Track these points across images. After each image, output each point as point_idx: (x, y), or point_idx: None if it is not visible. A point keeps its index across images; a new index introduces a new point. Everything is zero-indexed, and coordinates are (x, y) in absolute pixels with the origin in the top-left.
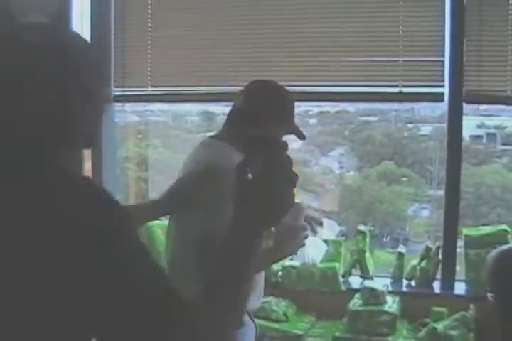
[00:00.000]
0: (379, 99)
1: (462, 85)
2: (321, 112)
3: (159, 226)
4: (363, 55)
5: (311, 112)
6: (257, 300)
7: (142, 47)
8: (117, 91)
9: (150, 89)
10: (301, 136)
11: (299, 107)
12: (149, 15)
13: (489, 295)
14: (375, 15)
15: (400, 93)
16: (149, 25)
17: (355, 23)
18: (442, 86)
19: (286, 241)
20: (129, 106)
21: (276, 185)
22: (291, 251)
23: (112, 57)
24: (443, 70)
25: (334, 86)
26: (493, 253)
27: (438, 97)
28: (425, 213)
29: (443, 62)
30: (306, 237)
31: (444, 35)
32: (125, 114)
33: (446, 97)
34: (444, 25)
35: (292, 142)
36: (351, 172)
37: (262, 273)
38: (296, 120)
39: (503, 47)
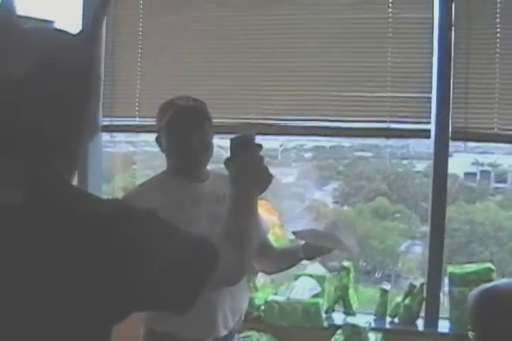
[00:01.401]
0: (366, 134)
1: (449, 122)
2: (316, 147)
3: None
4: (350, 90)
5: (306, 146)
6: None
7: (132, 78)
8: (105, 121)
9: (138, 119)
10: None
11: (294, 141)
12: (140, 46)
13: (470, 333)
14: (364, 51)
15: (387, 129)
16: (139, 55)
17: (344, 58)
18: (429, 122)
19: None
20: (123, 137)
21: (257, 169)
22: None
23: (102, 86)
24: (430, 107)
25: (322, 120)
26: (475, 291)
27: (425, 134)
28: (418, 249)
29: (430, 98)
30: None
31: (431, 72)
32: (120, 144)
33: (432, 134)
34: (431, 62)
35: (287, 176)
36: (345, 207)
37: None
38: (292, 154)
39: (490, 85)
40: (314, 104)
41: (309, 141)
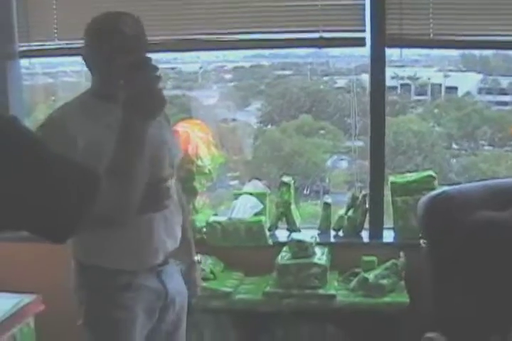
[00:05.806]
0: (299, 44)
1: (384, 29)
2: (236, 67)
3: None
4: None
5: (226, 67)
6: (151, 254)
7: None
8: (22, 46)
9: (56, 42)
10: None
11: (213, 63)
12: None
13: (422, 241)
14: None
15: (321, 38)
16: None
17: None
18: (363, 30)
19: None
20: (40, 68)
21: (151, 91)
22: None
23: (14, 9)
24: (363, 14)
25: (251, 33)
26: (424, 199)
27: (359, 42)
28: (344, 164)
29: (364, 5)
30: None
31: None
32: (37, 76)
33: (367, 42)
34: None
35: (208, 98)
36: (269, 127)
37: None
38: (211, 76)
39: None
40: (241, 16)
41: (228, 62)
